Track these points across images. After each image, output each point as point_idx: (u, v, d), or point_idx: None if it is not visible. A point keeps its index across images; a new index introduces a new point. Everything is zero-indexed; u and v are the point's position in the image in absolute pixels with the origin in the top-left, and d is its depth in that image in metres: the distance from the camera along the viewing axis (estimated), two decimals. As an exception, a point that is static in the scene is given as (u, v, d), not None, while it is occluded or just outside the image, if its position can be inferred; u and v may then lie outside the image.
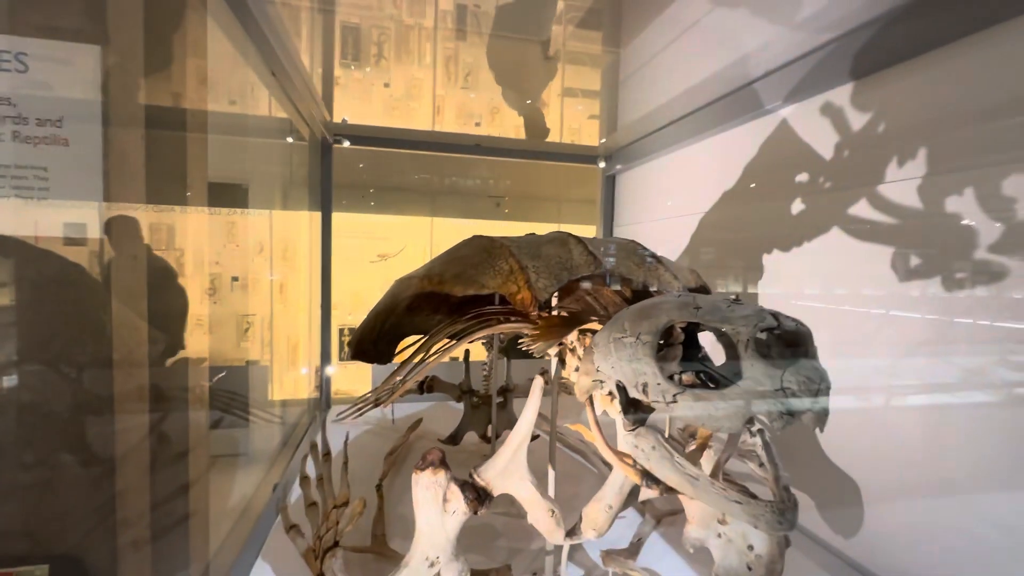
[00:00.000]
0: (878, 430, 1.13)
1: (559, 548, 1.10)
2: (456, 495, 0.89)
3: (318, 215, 2.27)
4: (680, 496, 1.02)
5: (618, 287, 1.15)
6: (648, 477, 0.73)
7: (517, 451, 0.94)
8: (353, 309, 3.31)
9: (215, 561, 1.16)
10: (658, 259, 1.00)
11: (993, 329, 0.90)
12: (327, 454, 1.21)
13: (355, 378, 2.98)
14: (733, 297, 0.62)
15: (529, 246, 1.01)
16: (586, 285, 1.31)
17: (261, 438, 1.77)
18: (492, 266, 0.96)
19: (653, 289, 1.04)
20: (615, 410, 0.86)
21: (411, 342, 1.59)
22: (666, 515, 1.33)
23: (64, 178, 0.95)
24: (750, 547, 1.00)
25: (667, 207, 1.94)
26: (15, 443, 1.04)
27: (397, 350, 1.56)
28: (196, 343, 1.45)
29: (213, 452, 1.52)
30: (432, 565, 0.86)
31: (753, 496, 0.58)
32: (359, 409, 1.89)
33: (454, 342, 1.19)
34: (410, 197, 2.89)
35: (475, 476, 0.92)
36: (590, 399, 0.80)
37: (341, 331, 3.19)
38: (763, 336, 0.56)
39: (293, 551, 1.08)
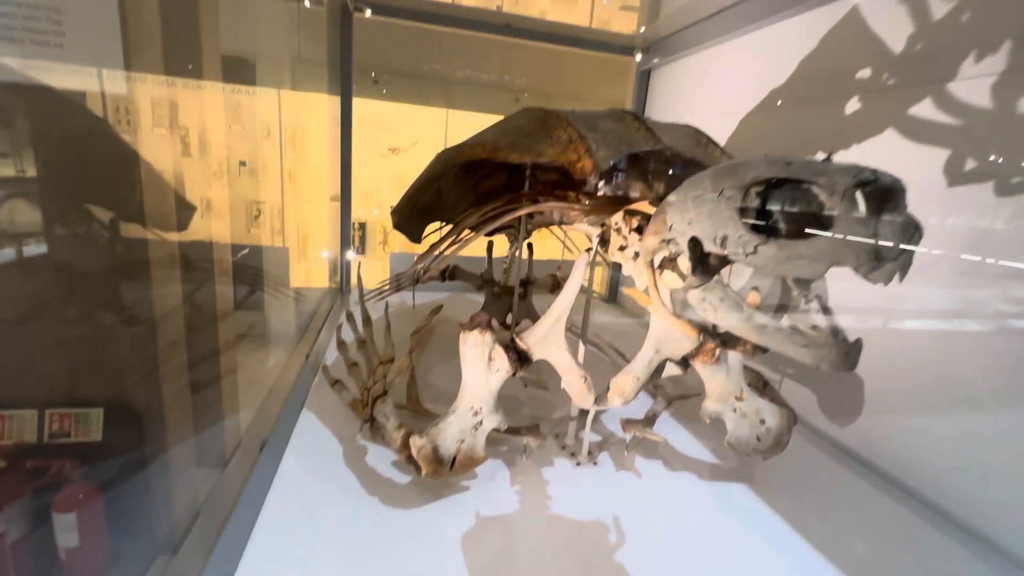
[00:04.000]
0: (888, 340, 1.17)
1: (581, 416, 1.19)
2: (500, 355, 0.94)
3: (329, 99, 2.14)
4: (703, 373, 1.09)
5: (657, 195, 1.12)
6: (706, 332, 0.77)
7: (557, 321, 0.98)
8: (363, 204, 3.24)
9: (259, 414, 1.24)
10: (712, 141, 0.97)
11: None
12: (367, 319, 1.26)
13: (368, 274, 2.99)
14: (824, 156, 0.61)
15: (585, 119, 0.97)
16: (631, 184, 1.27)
17: (282, 322, 1.81)
18: (549, 135, 0.93)
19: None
20: (668, 282, 0.88)
21: (435, 229, 1.59)
22: (676, 398, 1.41)
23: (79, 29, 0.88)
24: (762, 421, 1.09)
25: (706, 106, 1.82)
26: (56, 300, 1.06)
27: (424, 234, 1.57)
28: (204, 226, 1.43)
29: (240, 332, 1.56)
30: (476, 414, 0.93)
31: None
32: (381, 293, 1.94)
33: (491, 214, 1.17)
34: (425, 85, 2.70)
35: (517, 340, 0.97)
36: (650, 264, 0.81)
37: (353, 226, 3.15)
38: (859, 189, 0.56)
39: (333, 406, 1.16)
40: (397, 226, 1.38)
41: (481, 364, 0.92)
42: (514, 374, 0.98)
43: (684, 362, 1.06)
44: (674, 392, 1.45)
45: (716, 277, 0.68)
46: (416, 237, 1.47)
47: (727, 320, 0.66)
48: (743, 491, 1.07)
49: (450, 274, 1.82)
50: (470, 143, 1.04)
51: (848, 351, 0.59)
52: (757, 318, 0.63)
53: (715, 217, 0.62)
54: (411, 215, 1.42)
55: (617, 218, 1.05)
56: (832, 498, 1.08)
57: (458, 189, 1.59)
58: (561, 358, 0.99)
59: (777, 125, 1.51)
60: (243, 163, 2.04)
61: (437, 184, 1.45)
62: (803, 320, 0.79)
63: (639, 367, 1.02)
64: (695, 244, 0.66)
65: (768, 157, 0.62)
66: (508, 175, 1.56)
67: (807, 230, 0.61)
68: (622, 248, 1.01)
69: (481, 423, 0.93)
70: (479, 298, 1.96)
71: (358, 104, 2.56)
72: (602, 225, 1.09)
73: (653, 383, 1.49)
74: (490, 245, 1.80)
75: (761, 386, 1.22)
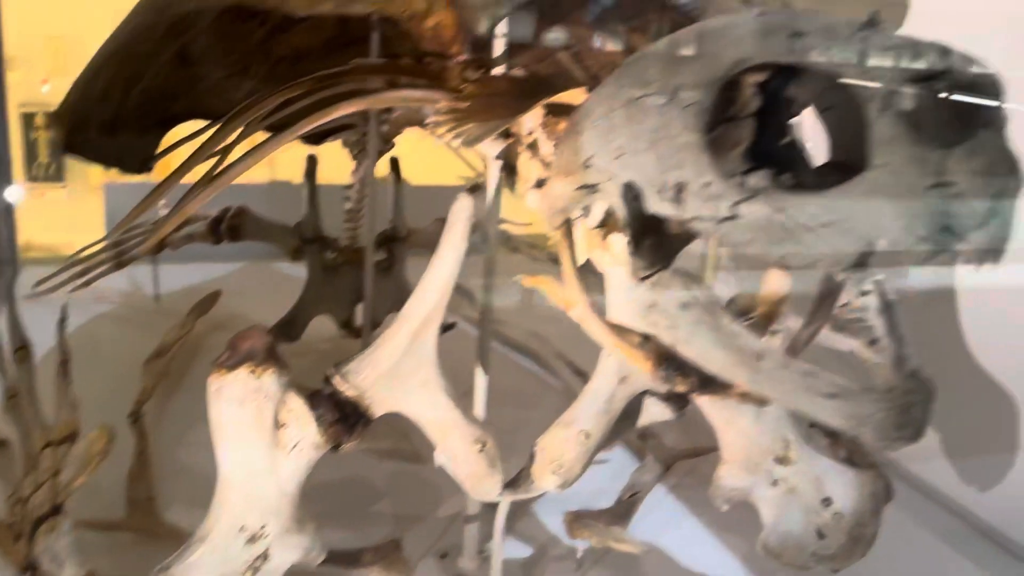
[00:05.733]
0: None
1: (489, 508, 1.21)
2: (301, 415, 0.92)
3: None
4: (712, 415, 1.12)
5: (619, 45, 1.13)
6: (670, 364, 0.78)
7: (419, 334, 0.97)
8: (52, 71, 3.05)
9: None
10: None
11: None
12: (22, 348, 1.20)
13: (66, 218, 2.87)
14: (865, 20, 0.61)
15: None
16: (555, 38, 1.25)
17: None
18: None
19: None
20: (613, 255, 0.88)
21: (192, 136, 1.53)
22: (680, 457, 1.46)
23: None
24: (825, 501, 1.14)
25: None
26: None
27: (160, 149, 1.49)
28: None
29: None
30: (253, 539, 0.92)
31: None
32: (82, 273, 1.85)
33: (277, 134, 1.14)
34: None
35: (338, 380, 0.95)
36: (567, 227, 0.80)
37: (28, 118, 2.97)
38: (921, 91, 0.57)
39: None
40: (71, 145, 1.31)
41: (259, 437, 0.91)
42: (337, 448, 0.96)
43: (676, 397, 1.09)
44: (676, 448, 1.50)
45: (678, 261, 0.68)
46: (134, 161, 1.41)
47: (695, 345, 0.67)
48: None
49: (230, 226, 1.78)
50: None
51: (909, 405, 0.62)
52: (748, 341, 0.64)
53: (664, 143, 0.62)
54: (116, 116, 1.35)
55: (533, 121, 1.05)
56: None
57: (227, 53, 1.53)
58: (433, 407, 0.99)
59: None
60: None
61: (178, 43, 1.39)
62: (841, 340, 0.82)
63: (587, 414, 1.03)
64: (633, 196, 0.66)
65: (763, 18, 0.62)
66: (339, 22, 1.52)
67: (829, 172, 0.63)
68: (540, 184, 1.01)
69: (265, 557, 0.91)
70: (298, 272, 1.92)
71: None
72: (507, 136, 1.08)
73: (637, 432, 1.54)
74: (311, 164, 1.77)
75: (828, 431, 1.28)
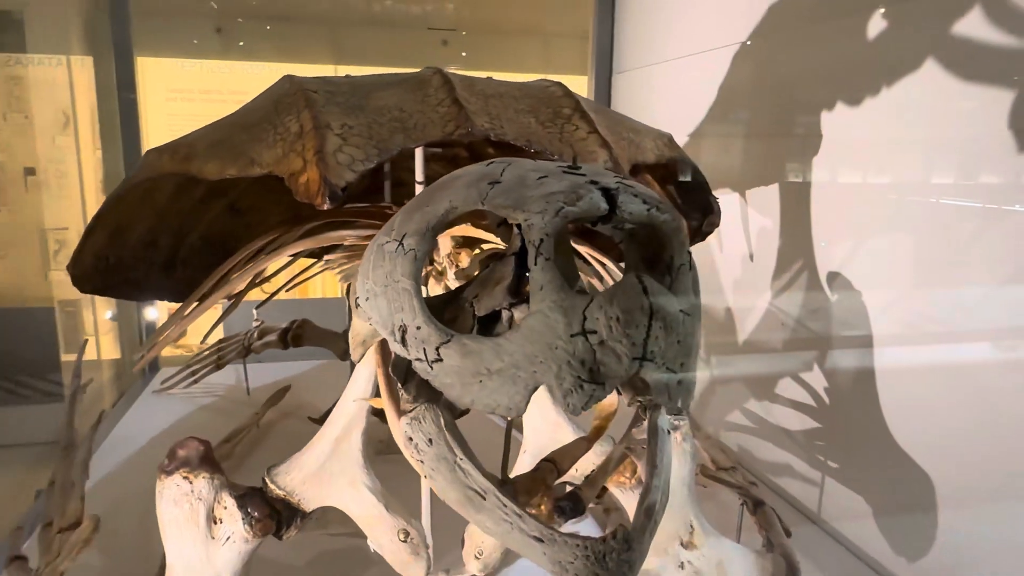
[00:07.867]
0: (965, 394, 1.16)
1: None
2: (233, 512, 0.92)
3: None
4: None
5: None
6: None
7: (344, 438, 0.95)
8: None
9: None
10: (585, 113, 0.94)
11: None
12: (69, 446, 1.26)
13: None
14: (567, 165, 0.58)
15: (355, 92, 0.96)
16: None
17: (32, 422, 1.83)
18: (273, 126, 0.92)
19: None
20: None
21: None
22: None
23: None
24: (730, 583, 1.02)
25: (696, 36, 1.92)
26: None
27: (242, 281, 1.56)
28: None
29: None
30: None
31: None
32: (192, 374, 1.95)
33: (258, 261, 1.17)
34: (300, 31, 2.77)
35: (268, 481, 0.95)
36: (383, 348, 0.79)
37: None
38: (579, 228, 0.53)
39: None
40: (104, 289, 1.34)
41: (194, 533, 0.91)
42: (279, 535, 0.94)
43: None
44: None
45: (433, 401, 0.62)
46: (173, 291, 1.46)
47: (436, 481, 0.62)
48: None
49: (294, 335, 1.82)
50: (169, 148, 1.04)
51: (605, 555, 0.54)
52: (474, 480, 0.58)
53: (391, 287, 0.60)
54: (171, 258, 1.40)
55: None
56: None
57: (277, 203, 1.57)
58: (359, 502, 0.96)
59: (791, 53, 1.53)
60: (31, 171, 2.14)
61: (224, 200, 1.43)
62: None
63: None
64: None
65: (489, 167, 0.60)
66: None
67: (515, 319, 0.58)
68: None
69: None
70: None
71: (193, 68, 2.62)
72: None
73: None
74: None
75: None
